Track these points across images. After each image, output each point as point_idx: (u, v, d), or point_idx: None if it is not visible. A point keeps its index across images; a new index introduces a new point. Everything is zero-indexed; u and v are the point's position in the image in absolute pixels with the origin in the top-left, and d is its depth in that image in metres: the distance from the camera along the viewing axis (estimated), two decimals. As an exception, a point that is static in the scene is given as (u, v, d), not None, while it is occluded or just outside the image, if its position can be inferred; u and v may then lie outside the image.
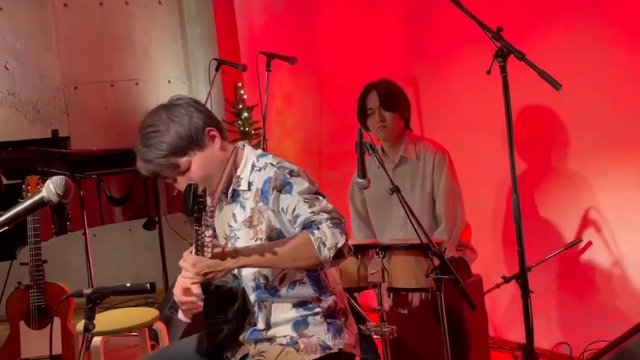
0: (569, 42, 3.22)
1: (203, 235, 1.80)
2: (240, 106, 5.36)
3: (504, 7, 3.42)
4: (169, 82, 5.95)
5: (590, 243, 3.25)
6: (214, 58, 4.54)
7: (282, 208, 1.95)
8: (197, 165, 1.99)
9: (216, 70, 4.38)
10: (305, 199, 1.91)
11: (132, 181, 4.72)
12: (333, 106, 4.86)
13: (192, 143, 1.97)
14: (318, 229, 1.83)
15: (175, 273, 4.87)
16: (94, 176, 4.51)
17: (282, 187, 1.95)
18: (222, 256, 1.86)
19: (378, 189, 3.18)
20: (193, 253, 1.85)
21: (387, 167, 3.01)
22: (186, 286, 1.95)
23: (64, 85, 5.56)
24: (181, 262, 1.88)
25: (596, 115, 3.18)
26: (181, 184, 2.02)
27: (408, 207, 2.34)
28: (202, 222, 1.79)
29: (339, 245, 1.83)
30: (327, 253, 1.82)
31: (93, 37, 5.67)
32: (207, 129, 2.01)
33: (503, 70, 2.23)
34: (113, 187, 4.63)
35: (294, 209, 1.90)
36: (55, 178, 1.46)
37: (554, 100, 3.12)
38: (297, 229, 1.90)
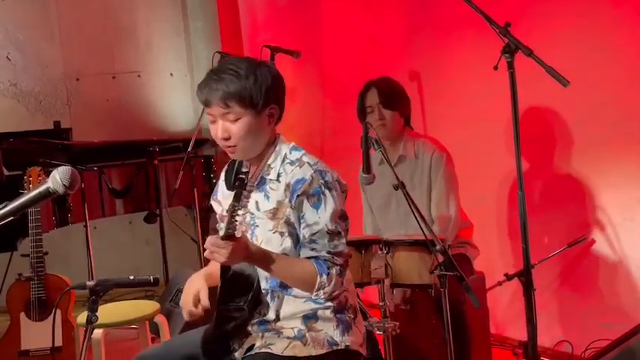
0: (573, 39, 3.20)
1: (237, 213, 1.81)
2: (243, 100, 5.33)
3: (508, 2, 3.40)
4: (172, 75, 5.93)
5: (593, 241, 3.25)
6: (217, 51, 4.52)
7: (302, 216, 1.99)
8: (244, 124, 1.99)
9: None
10: (329, 230, 1.97)
11: (133, 174, 4.71)
12: (335, 101, 4.85)
13: (253, 104, 1.98)
14: (328, 274, 1.95)
15: (175, 266, 4.89)
16: (95, 168, 4.50)
17: (311, 197, 1.98)
18: (245, 248, 1.89)
19: (377, 188, 3.17)
20: (224, 228, 1.85)
21: (385, 169, 3.01)
22: (197, 295, 2.04)
23: (65, 77, 5.54)
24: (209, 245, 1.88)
25: (602, 113, 3.16)
26: (219, 129, 2.02)
27: (413, 202, 2.33)
28: (241, 199, 1.79)
29: (334, 294, 2.00)
30: (320, 294, 1.98)
31: (95, 29, 5.65)
32: (273, 105, 2.02)
33: (510, 66, 2.22)
34: (114, 180, 4.62)
35: (315, 233, 1.97)
36: (60, 168, 1.45)
37: (559, 97, 3.10)
38: (308, 249, 1.98)
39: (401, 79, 3.72)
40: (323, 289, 1.95)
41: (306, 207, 1.97)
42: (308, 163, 2.02)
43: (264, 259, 1.95)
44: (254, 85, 1.96)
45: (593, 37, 3.15)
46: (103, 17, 5.68)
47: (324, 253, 1.96)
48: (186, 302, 2.07)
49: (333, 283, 1.95)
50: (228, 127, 2.00)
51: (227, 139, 2.01)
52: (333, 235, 1.97)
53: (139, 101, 5.69)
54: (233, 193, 1.84)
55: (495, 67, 2.22)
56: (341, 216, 2.00)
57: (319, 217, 1.96)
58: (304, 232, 1.98)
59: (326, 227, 1.96)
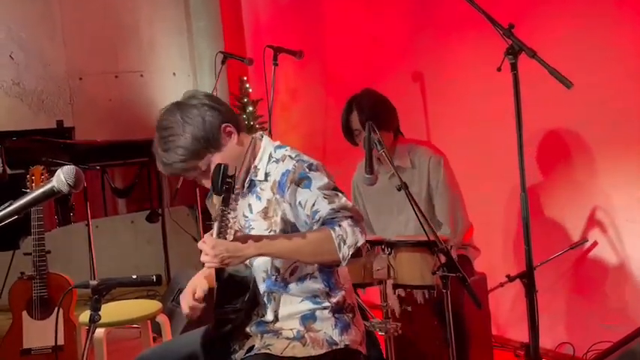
0: (575, 40, 3.20)
1: (227, 217, 1.81)
2: (245, 100, 5.34)
3: (510, 3, 3.40)
4: (174, 74, 5.94)
5: (595, 243, 3.24)
6: (220, 51, 4.52)
7: (299, 202, 1.95)
8: (216, 164, 1.96)
9: (222, 63, 4.37)
10: (325, 194, 1.92)
11: (135, 173, 4.72)
12: (338, 101, 4.83)
13: (208, 145, 1.98)
14: (340, 226, 1.86)
15: (177, 266, 4.90)
16: (97, 167, 4.50)
17: (301, 181, 1.95)
18: (244, 241, 1.87)
19: (375, 198, 3.16)
20: (215, 234, 1.85)
21: (382, 177, 3.00)
22: (194, 291, 2.02)
23: (68, 76, 5.56)
24: (200, 244, 1.87)
25: (605, 114, 3.16)
26: (205, 183, 2.05)
27: (416, 203, 2.33)
28: (229, 203, 1.79)
29: (358, 244, 1.87)
30: (346, 250, 1.86)
31: (98, 28, 5.67)
32: (223, 126, 2.01)
33: (514, 67, 2.22)
34: (117, 179, 4.62)
35: (314, 204, 1.92)
36: (65, 167, 1.45)
37: (562, 98, 3.10)
38: (315, 224, 1.92)
39: (403, 78, 3.75)
40: (345, 243, 1.84)
41: (299, 192, 1.95)
42: (289, 156, 2.03)
43: (270, 240, 1.91)
44: (193, 132, 1.96)
45: (594, 38, 3.15)
46: (105, 16, 5.70)
47: (327, 211, 1.89)
48: (183, 298, 2.08)
49: (351, 232, 1.85)
50: (209, 177, 1.99)
51: None
52: (330, 197, 1.92)
53: (142, 100, 5.70)
54: (221, 197, 1.84)
55: (499, 69, 2.22)
56: (334, 188, 1.96)
57: (312, 191, 1.93)
58: (306, 212, 1.93)
59: (322, 194, 1.92)
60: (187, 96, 2.05)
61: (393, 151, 3.16)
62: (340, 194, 1.95)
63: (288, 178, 1.97)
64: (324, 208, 1.90)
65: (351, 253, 1.86)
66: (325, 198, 1.91)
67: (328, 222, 1.88)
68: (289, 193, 1.97)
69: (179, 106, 2.01)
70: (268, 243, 1.89)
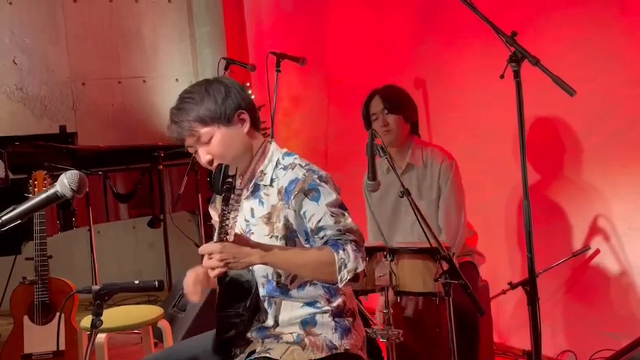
0: (578, 48, 3.21)
1: (228, 217, 1.80)
2: (248, 106, 5.34)
3: (514, 11, 3.41)
4: (177, 80, 5.95)
5: (598, 251, 3.24)
6: (223, 58, 4.53)
7: (304, 213, 1.97)
8: (218, 139, 2.03)
9: (225, 69, 4.38)
10: (332, 212, 1.95)
11: (138, 179, 4.72)
12: (340, 107, 4.85)
13: (219, 118, 2.02)
14: (344, 250, 1.90)
15: (178, 271, 4.89)
16: (100, 173, 4.51)
17: (309, 192, 1.97)
18: (249, 246, 1.88)
19: (384, 197, 3.17)
20: (216, 235, 1.85)
21: (391, 178, 3.01)
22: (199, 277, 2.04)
23: (71, 81, 5.57)
24: (206, 246, 1.87)
25: (607, 122, 3.16)
26: (201, 155, 2.06)
27: (418, 210, 2.33)
28: (230, 203, 1.79)
29: (357, 270, 1.91)
30: (345, 274, 1.89)
31: (101, 34, 5.68)
32: (240, 111, 2.06)
33: (516, 75, 2.21)
34: (119, 184, 4.63)
35: (319, 220, 1.94)
36: (68, 172, 1.45)
37: (565, 106, 3.11)
38: (318, 240, 1.95)
39: (406, 85, 3.73)
40: (345, 267, 1.88)
41: (306, 202, 1.96)
42: (299, 165, 2.04)
43: (274, 251, 1.93)
44: (210, 102, 2.02)
45: (597, 46, 3.15)
46: (109, 22, 5.71)
47: (333, 232, 1.93)
48: (186, 286, 2.10)
49: (352, 258, 1.89)
50: (207, 150, 2.04)
51: (211, 161, 2.05)
52: (337, 216, 1.95)
53: (144, 106, 5.71)
54: (222, 197, 1.84)
55: (502, 76, 2.22)
56: (341, 205, 1.99)
57: (319, 206, 1.95)
58: (310, 226, 1.96)
59: (329, 212, 1.94)
60: (222, 77, 2.12)
61: (408, 145, 3.18)
62: (346, 213, 1.97)
63: (297, 186, 1.98)
64: (330, 227, 1.93)
65: (349, 277, 1.90)
66: (332, 216, 1.94)
67: (333, 243, 1.91)
68: (295, 201, 1.98)
69: (208, 81, 2.10)
70: (273, 254, 1.92)
